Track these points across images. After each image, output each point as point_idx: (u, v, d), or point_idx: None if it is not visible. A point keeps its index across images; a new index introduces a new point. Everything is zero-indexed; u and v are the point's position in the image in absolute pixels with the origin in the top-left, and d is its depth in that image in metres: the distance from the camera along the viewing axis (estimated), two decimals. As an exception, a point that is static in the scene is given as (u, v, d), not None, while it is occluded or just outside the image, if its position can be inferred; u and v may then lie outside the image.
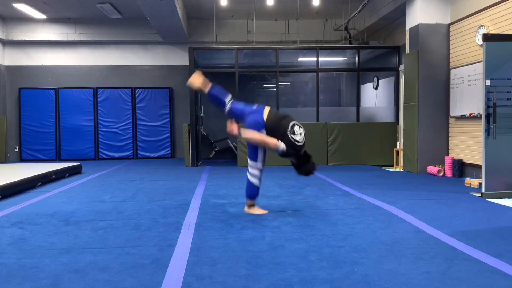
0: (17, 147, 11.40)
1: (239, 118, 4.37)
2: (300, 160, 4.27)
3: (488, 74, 5.22)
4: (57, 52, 11.54)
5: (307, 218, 4.19)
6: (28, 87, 11.39)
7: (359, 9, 8.87)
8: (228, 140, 11.27)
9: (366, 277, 2.58)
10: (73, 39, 11.18)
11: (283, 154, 4.11)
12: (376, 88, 10.49)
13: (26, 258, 3.02)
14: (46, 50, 11.51)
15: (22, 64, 11.50)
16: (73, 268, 2.80)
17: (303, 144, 4.20)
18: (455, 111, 7.39)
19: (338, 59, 11.31)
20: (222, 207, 4.75)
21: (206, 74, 12.63)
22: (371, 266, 2.78)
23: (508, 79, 5.28)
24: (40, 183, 6.44)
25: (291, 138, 4.08)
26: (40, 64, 11.52)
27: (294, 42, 10.59)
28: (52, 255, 3.08)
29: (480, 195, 5.32)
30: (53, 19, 10.99)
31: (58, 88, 11.38)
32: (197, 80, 4.33)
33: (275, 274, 2.65)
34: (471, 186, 6.10)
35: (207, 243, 3.34)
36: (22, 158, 11.29)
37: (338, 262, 2.86)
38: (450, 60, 7.55)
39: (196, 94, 9.72)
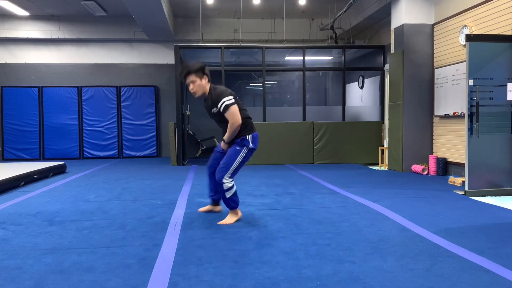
0: (-1, 146, 11.21)
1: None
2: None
3: (471, 74, 5.29)
4: (40, 50, 11.37)
5: (293, 216, 4.20)
6: (11, 85, 11.20)
7: (344, 9, 8.93)
8: (215, 139, 11.25)
9: (352, 275, 2.60)
10: (57, 37, 11.02)
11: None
12: (361, 87, 10.57)
13: (8, 259, 2.97)
14: (29, 47, 11.33)
15: (4, 62, 11.30)
16: (57, 268, 2.76)
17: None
18: (439, 110, 7.49)
19: (324, 58, 11.37)
20: (209, 206, 4.73)
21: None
22: (357, 264, 2.80)
23: (490, 78, 5.37)
24: (23, 183, 6.34)
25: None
26: (23, 62, 11.34)
27: (281, 41, 10.60)
28: (35, 255, 3.03)
29: (463, 193, 5.40)
30: (36, 16, 10.82)
31: (42, 86, 11.21)
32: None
33: (262, 273, 2.65)
34: (455, 184, 6.19)
35: (193, 243, 3.32)
36: (5, 158, 11.10)
37: (324, 260, 2.87)
38: (434, 59, 7.64)
39: (182, 92, 9.67)
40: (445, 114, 7.24)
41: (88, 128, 11.29)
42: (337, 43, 10.42)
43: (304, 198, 5.16)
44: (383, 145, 9.05)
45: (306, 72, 9.72)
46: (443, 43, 7.37)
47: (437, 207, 4.61)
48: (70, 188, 6.15)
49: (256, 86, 12.33)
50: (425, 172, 7.38)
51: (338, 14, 9.37)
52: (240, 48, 10.15)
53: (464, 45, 6.59)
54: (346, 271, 2.67)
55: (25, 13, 10.45)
